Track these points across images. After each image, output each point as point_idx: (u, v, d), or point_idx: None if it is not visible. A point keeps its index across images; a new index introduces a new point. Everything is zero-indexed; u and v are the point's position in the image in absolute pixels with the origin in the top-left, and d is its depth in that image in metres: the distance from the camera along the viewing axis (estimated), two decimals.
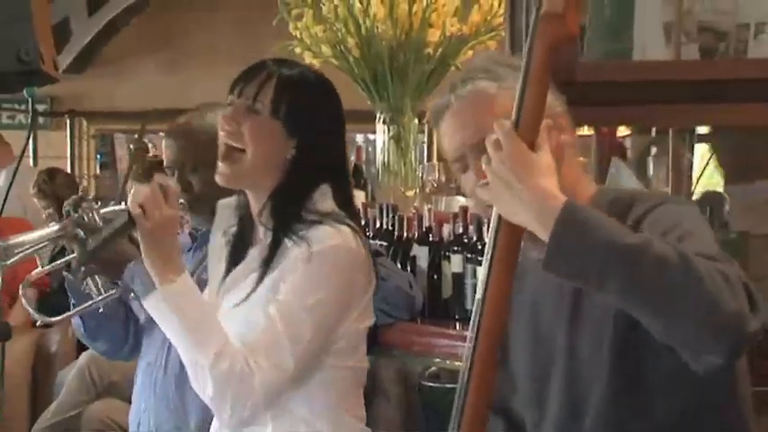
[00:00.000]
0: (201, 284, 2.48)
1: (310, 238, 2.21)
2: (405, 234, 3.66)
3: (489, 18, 4.34)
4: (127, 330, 2.79)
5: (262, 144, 2.26)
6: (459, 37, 4.32)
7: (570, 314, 1.87)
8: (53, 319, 2.54)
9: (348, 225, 2.27)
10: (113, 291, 2.50)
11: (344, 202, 2.34)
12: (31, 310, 2.50)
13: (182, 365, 2.44)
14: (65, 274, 2.55)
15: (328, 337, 2.25)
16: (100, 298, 2.50)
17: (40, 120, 8.43)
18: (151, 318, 2.38)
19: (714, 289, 1.54)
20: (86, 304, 2.51)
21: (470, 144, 1.89)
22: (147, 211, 2.22)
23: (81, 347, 5.13)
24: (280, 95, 2.26)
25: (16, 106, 8.33)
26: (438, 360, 3.19)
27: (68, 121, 8.54)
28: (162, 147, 2.81)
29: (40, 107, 8.34)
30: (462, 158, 1.92)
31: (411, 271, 3.49)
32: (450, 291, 3.39)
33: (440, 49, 4.31)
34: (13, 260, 2.34)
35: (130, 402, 2.88)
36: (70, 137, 8.56)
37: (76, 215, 2.43)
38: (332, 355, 2.28)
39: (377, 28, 4.22)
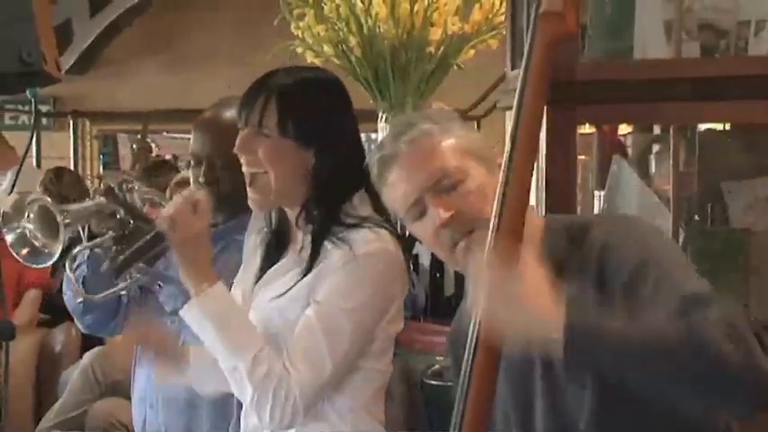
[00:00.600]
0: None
1: (352, 240, 2.21)
2: (407, 232, 3.67)
3: (491, 17, 4.35)
4: (118, 307, 2.79)
5: (280, 166, 2.25)
6: (460, 36, 4.34)
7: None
8: (95, 296, 2.57)
9: (386, 229, 2.28)
10: (144, 277, 2.52)
11: (379, 206, 2.34)
12: (74, 280, 2.53)
13: None
14: (95, 250, 2.54)
15: (365, 341, 2.26)
16: (127, 283, 2.51)
17: (43, 120, 8.44)
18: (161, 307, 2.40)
19: (720, 353, 1.56)
20: (118, 288, 2.52)
21: (427, 185, 1.88)
22: (178, 224, 2.23)
23: (85, 347, 5.14)
24: (283, 115, 2.24)
25: (19, 107, 8.34)
26: (440, 358, 3.20)
27: (71, 122, 8.55)
28: (192, 139, 2.72)
29: (43, 108, 8.35)
30: (419, 202, 1.89)
31: (414, 269, 3.50)
32: (453, 289, 3.41)
33: (441, 48, 4.33)
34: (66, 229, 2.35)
35: None
36: (73, 137, 8.57)
37: (120, 193, 2.44)
38: (363, 358, 2.29)
39: (378, 27, 4.23)
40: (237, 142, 2.27)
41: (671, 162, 2.77)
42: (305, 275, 2.24)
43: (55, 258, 2.43)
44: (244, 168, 2.29)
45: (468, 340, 1.74)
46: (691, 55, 2.59)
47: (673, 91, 2.55)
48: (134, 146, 8.50)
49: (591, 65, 2.60)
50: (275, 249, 2.36)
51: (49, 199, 2.41)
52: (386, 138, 1.98)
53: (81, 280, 2.62)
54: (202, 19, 8.17)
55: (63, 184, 6.09)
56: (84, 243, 2.53)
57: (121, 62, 8.44)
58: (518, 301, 1.64)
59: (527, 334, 1.64)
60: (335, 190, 2.28)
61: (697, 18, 2.58)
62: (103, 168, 8.78)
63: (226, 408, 2.54)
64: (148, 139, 8.18)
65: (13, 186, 2.99)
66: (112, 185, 2.47)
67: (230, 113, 2.62)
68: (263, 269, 2.36)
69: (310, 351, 2.20)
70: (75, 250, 2.54)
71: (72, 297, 2.71)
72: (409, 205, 1.91)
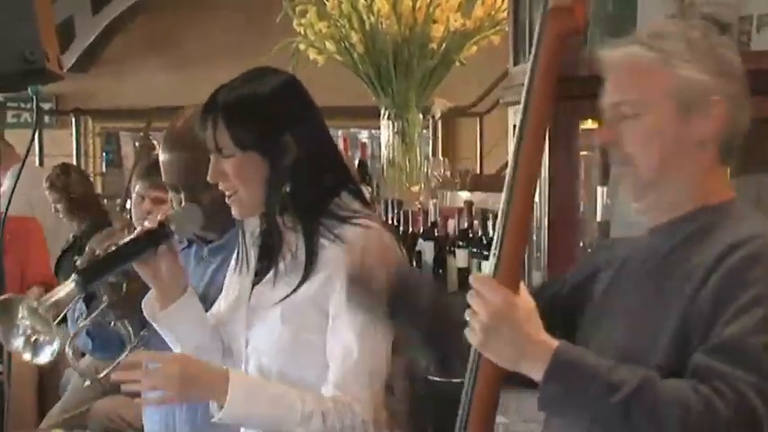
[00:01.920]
0: (208, 298, 2.48)
1: (348, 238, 2.21)
2: (410, 229, 3.67)
3: (493, 13, 4.35)
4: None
5: (250, 180, 2.24)
6: (462, 32, 4.34)
7: None
8: (100, 376, 2.59)
9: (379, 222, 2.28)
10: (146, 333, 2.52)
11: (366, 201, 2.34)
12: (75, 363, 2.54)
13: None
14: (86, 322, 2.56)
15: (391, 338, 2.28)
16: (134, 343, 2.52)
17: (46, 118, 8.44)
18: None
19: None
20: (128, 350, 2.53)
21: (609, 102, 1.83)
22: (168, 387, 2.20)
23: None
24: (235, 131, 2.22)
25: (21, 105, 8.34)
26: None
27: (74, 120, 8.55)
28: (162, 170, 2.62)
29: (46, 106, 8.35)
30: (603, 110, 1.86)
31: (416, 266, 3.50)
32: (456, 285, 3.40)
33: (444, 45, 4.33)
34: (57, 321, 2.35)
35: (137, 398, 2.87)
36: (76, 135, 8.58)
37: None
38: None
39: (381, 24, 4.23)
40: (209, 173, 2.26)
41: None
42: (306, 276, 2.24)
43: (57, 345, 2.43)
44: (222, 189, 2.27)
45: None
46: None
47: None
48: (137, 144, 8.49)
49: (593, 60, 2.60)
50: (269, 252, 2.36)
51: (29, 299, 2.39)
52: (620, 39, 1.90)
53: (85, 331, 2.63)
54: (205, 16, 8.17)
55: (70, 181, 6.10)
56: (80, 323, 2.54)
57: (124, 60, 8.44)
58: (514, 322, 1.66)
59: (511, 363, 1.67)
60: (313, 186, 2.28)
61: (699, 13, 2.58)
62: (106, 166, 8.78)
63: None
64: (151, 137, 8.18)
65: (15, 185, 2.98)
66: (97, 252, 2.46)
67: (186, 132, 2.55)
68: (260, 271, 2.36)
69: (358, 374, 2.20)
70: (73, 330, 2.55)
71: (83, 345, 2.76)
72: (600, 107, 1.87)
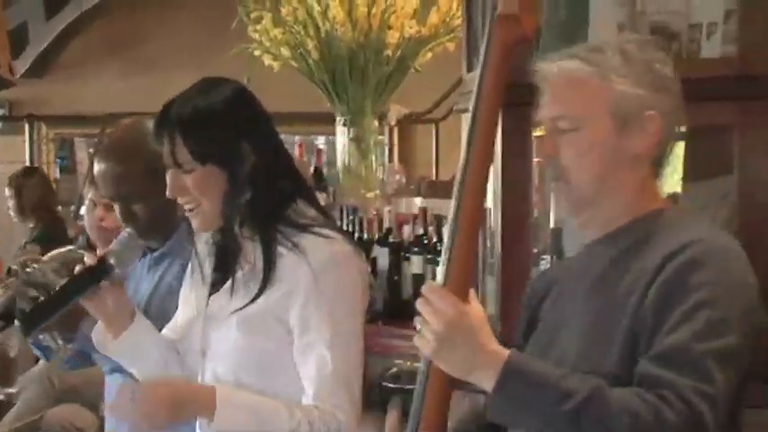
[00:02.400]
0: (157, 300, 2.48)
1: (306, 248, 2.21)
2: (365, 235, 3.67)
3: (447, 20, 4.36)
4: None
5: (212, 192, 2.25)
6: (417, 38, 4.35)
7: None
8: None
9: (336, 230, 2.28)
10: (72, 345, 2.52)
11: (322, 209, 2.35)
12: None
13: None
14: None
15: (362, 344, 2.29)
16: (64, 354, 2.52)
17: None
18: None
19: None
20: (58, 360, 2.53)
21: (551, 117, 1.86)
22: (151, 415, 2.20)
23: None
24: (193, 145, 2.22)
25: None
26: (398, 361, 3.20)
27: (27, 126, 8.48)
28: (95, 171, 2.65)
29: None
30: (542, 125, 1.89)
31: (372, 272, 3.50)
32: (411, 291, 3.40)
33: (399, 51, 4.33)
34: None
35: (90, 407, 2.86)
36: (29, 141, 8.50)
37: (25, 275, 2.43)
38: None
39: (336, 30, 4.23)
40: (169, 187, 2.26)
41: None
42: (264, 286, 2.23)
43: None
44: (182, 203, 2.28)
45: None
46: None
47: None
48: (91, 150, 8.43)
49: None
50: (225, 262, 2.35)
51: None
52: (556, 53, 1.92)
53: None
54: (161, 22, 8.12)
55: (28, 183, 6.10)
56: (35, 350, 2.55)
57: (79, 65, 8.38)
58: (466, 331, 1.68)
59: (464, 372, 1.69)
60: (270, 193, 2.28)
61: (649, 20, 2.60)
62: (60, 172, 8.70)
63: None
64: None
65: None
66: (15, 268, 2.46)
67: (136, 137, 2.60)
68: (216, 281, 2.35)
69: (336, 384, 2.21)
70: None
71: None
72: (536, 121, 1.90)
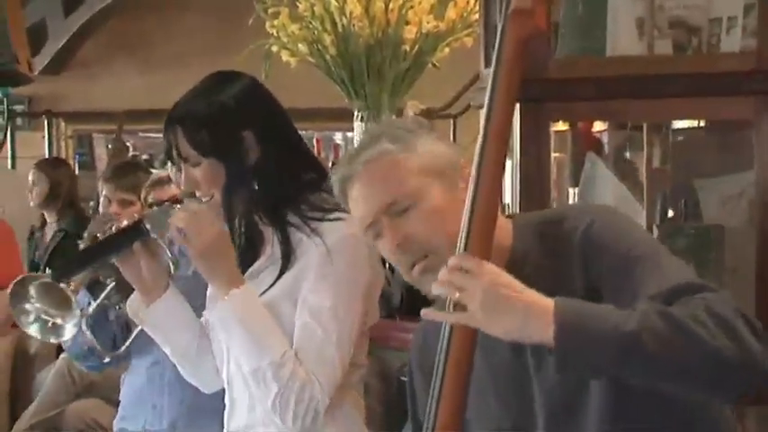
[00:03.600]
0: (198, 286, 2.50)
1: (323, 231, 2.25)
2: None
3: (465, 15, 4.34)
4: (114, 342, 2.80)
5: (219, 184, 2.30)
6: (435, 34, 4.33)
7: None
8: (119, 350, 2.66)
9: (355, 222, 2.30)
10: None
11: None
12: (95, 342, 2.54)
13: None
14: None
15: (361, 328, 2.29)
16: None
17: (18, 120, 8.38)
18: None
19: (718, 345, 1.57)
20: (136, 331, 2.55)
21: (380, 209, 1.87)
22: (189, 236, 2.24)
23: (60, 348, 5.11)
24: (195, 141, 2.28)
25: None
26: None
27: (46, 122, 8.50)
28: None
29: (18, 108, 8.30)
30: (375, 224, 1.89)
31: (388, 267, 3.50)
32: None
33: (416, 47, 4.32)
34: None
35: (111, 402, 2.88)
36: (48, 137, 8.53)
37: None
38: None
39: (353, 26, 4.22)
40: (183, 181, 2.33)
41: (644, 159, 2.79)
42: (283, 270, 2.26)
43: (76, 329, 2.42)
44: (199, 196, 2.33)
45: (441, 336, 1.74)
46: (663, 52, 2.61)
47: (645, 88, 2.57)
48: (109, 146, 8.46)
49: (563, 62, 2.61)
50: (249, 249, 2.37)
51: (43, 277, 2.40)
52: (346, 155, 1.97)
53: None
54: (178, 18, 8.14)
55: (62, 173, 6.11)
56: (94, 303, 2.55)
57: (97, 62, 8.40)
58: (509, 293, 1.63)
59: (520, 326, 1.63)
60: (280, 183, 2.31)
61: (668, 15, 2.59)
62: (79, 168, 8.73)
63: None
64: (124, 139, 8.14)
65: None
66: (97, 234, 2.47)
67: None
68: (245, 264, 2.38)
69: (318, 355, 2.23)
70: (90, 310, 2.55)
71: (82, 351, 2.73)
72: (366, 226, 1.91)
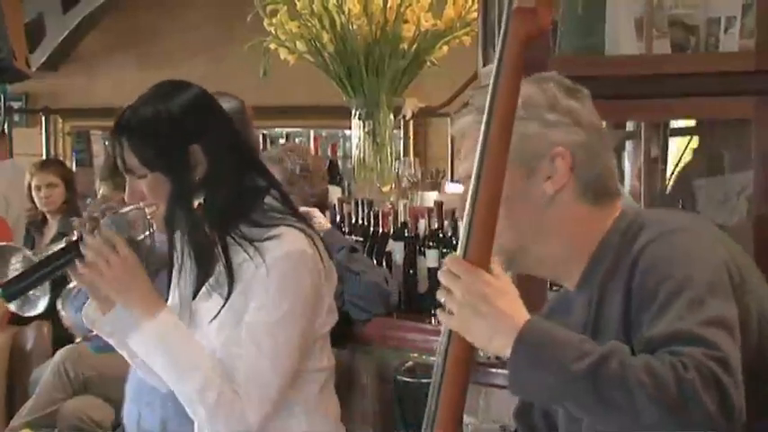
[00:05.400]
0: None
1: (264, 250, 2.25)
2: (380, 229, 3.66)
3: (464, 13, 4.35)
4: None
5: (164, 197, 2.29)
6: (433, 32, 4.33)
7: None
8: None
9: (296, 227, 2.29)
10: None
11: (285, 202, 2.36)
12: (68, 319, 2.52)
13: None
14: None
15: (303, 342, 2.28)
16: None
17: (15, 117, 8.37)
18: None
19: (662, 407, 1.53)
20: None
21: (462, 176, 1.87)
22: (100, 269, 2.24)
23: (56, 345, 5.12)
24: (139, 152, 2.27)
25: None
26: (414, 354, 3.19)
27: (43, 118, 8.50)
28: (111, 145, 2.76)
29: (15, 104, 8.29)
30: (467, 180, 1.86)
31: (387, 266, 3.50)
32: (426, 285, 3.40)
33: (414, 45, 4.32)
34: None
35: (106, 399, 2.87)
36: (45, 134, 8.52)
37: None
38: (302, 361, 2.31)
39: (352, 24, 4.22)
40: (126, 194, 2.32)
41: (642, 158, 2.78)
42: (229, 292, 2.26)
43: (46, 303, 2.41)
44: (143, 206, 2.32)
45: (441, 335, 1.74)
46: (661, 51, 2.61)
47: (643, 87, 2.57)
48: (107, 142, 8.45)
49: (562, 61, 2.61)
50: (200, 267, 2.37)
51: (25, 249, 2.39)
52: (472, 103, 1.91)
53: (80, 310, 2.63)
54: (176, 15, 8.13)
55: (71, 175, 6.10)
56: (71, 284, 2.53)
57: (95, 58, 8.39)
58: (484, 302, 1.64)
59: (487, 339, 1.64)
60: (228, 196, 2.30)
61: (667, 15, 2.59)
62: (77, 165, 8.72)
63: None
64: None
65: None
66: (96, 215, 2.46)
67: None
68: (200, 280, 2.38)
69: (252, 371, 2.24)
70: (69, 287, 2.54)
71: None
72: (464, 175, 1.86)
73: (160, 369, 2.28)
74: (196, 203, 2.31)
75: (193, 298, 2.37)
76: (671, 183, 3.01)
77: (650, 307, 1.66)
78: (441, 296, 1.69)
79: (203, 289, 2.35)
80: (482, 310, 1.64)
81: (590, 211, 1.84)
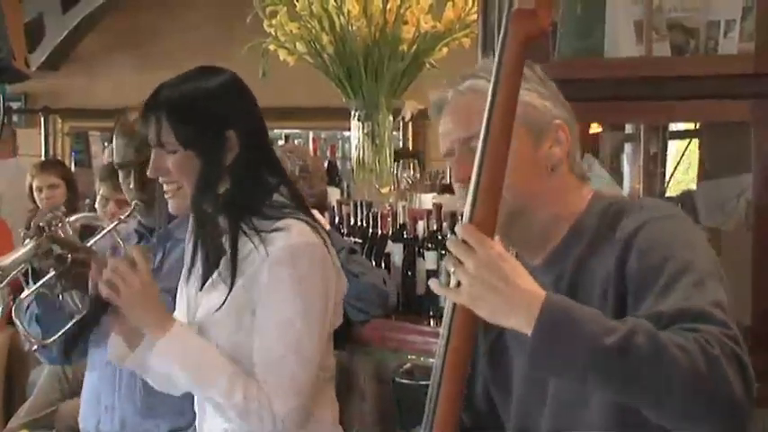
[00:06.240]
0: (162, 283, 2.48)
1: (270, 241, 2.24)
2: (379, 231, 3.66)
3: (463, 15, 4.34)
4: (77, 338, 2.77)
5: (190, 176, 2.29)
6: (433, 34, 4.33)
7: None
8: (47, 341, 2.55)
9: (304, 221, 2.29)
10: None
11: (294, 197, 2.36)
12: (23, 329, 2.52)
13: None
14: (41, 290, 2.54)
15: (325, 333, 2.29)
16: (81, 314, 2.52)
17: (14, 117, 8.38)
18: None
19: (694, 379, 1.54)
20: (73, 321, 2.52)
21: (459, 140, 1.90)
22: (118, 287, 2.24)
23: None
24: (178, 128, 2.27)
25: None
26: (412, 356, 3.19)
27: (42, 119, 8.50)
28: (114, 146, 2.76)
29: (14, 104, 8.29)
30: (451, 152, 1.92)
31: (386, 268, 3.50)
32: (425, 287, 3.40)
33: (414, 46, 4.32)
34: (2, 285, 2.35)
35: None
36: (44, 134, 8.52)
37: (49, 231, 2.44)
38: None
39: (351, 25, 4.22)
40: (150, 166, 2.31)
41: (641, 161, 2.79)
42: (232, 284, 2.26)
43: (1, 311, 2.42)
44: (163, 183, 2.33)
45: (443, 324, 1.73)
46: (661, 54, 2.60)
47: (643, 90, 2.57)
48: (105, 143, 8.45)
49: (561, 63, 2.61)
50: (213, 254, 2.37)
51: None
52: (449, 81, 1.98)
53: (35, 319, 2.61)
54: (177, 15, 8.13)
55: (74, 177, 6.09)
56: (26, 290, 2.52)
57: (94, 58, 8.39)
58: (501, 276, 1.62)
59: (504, 313, 1.62)
60: (250, 185, 2.30)
61: (666, 17, 2.59)
62: (75, 165, 8.73)
63: (184, 412, 2.54)
64: None
65: None
66: (41, 224, 2.46)
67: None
68: (206, 274, 2.37)
69: (280, 369, 2.23)
70: (21, 296, 2.53)
71: (35, 335, 2.65)
72: (445, 152, 1.94)
73: (182, 380, 2.29)
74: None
75: (200, 289, 2.37)
76: (669, 185, 3.01)
77: (656, 281, 1.67)
78: (450, 266, 1.66)
79: (209, 281, 2.34)
80: (498, 286, 1.61)
81: (577, 186, 1.91)
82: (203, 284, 2.36)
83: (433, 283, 1.72)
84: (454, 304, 1.69)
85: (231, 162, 2.28)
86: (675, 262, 1.69)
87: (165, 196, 2.33)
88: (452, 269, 1.66)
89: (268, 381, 2.22)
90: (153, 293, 2.29)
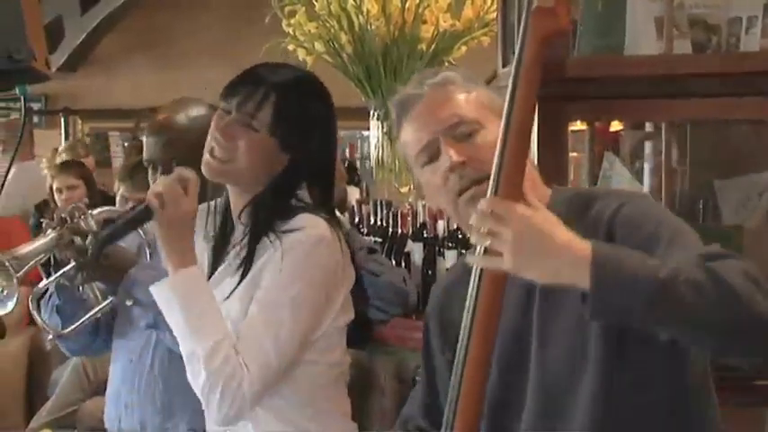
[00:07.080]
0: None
1: (283, 235, 2.24)
2: (399, 230, 3.66)
3: (482, 14, 4.34)
4: (96, 327, 2.78)
5: (255, 159, 2.28)
6: (452, 32, 4.32)
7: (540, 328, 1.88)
8: (65, 331, 2.55)
9: (322, 217, 2.29)
10: (112, 299, 2.52)
11: (323, 200, 2.35)
12: (39, 319, 2.52)
13: (169, 366, 2.45)
14: (62, 281, 2.53)
15: (312, 329, 2.27)
16: (101, 306, 2.52)
17: (35, 118, 8.42)
18: (133, 316, 2.41)
19: (750, 297, 1.56)
20: (92, 312, 2.52)
21: (443, 129, 1.91)
22: (166, 202, 2.23)
23: None
24: (279, 114, 2.26)
25: (10, 105, 8.32)
26: None
27: (62, 119, 8.54)
28: (144, 144, 2.78)
29: (35, 105, 8.33)
30: (432, 144, 1.92)
31: (405, 267, 3.50)
32: None
33: (433, 45, 4.31)
34: (19, 274, 2.34)
35: None
36: (64, 135, 8.56)
37: (72, 222, 2.44)
38: (308, 351, 2.29)
39: (370, 24, 4.22)
40: (223, 125, 2.27)
41: (662, 158, 2.77)
42: (244, 275, 2.25)
43: (15, 301, 2.41)
44: (213, 147, 2.29)
45: (471, 281, 1.72)
46: (682, 51, 2.59)
47: (664, 87, 2.55)
48: (125, 144, 8.48)
49: (582, 61, 2.60)
50: (221, 249, 2.37)
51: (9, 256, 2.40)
52: (411, 79, 2.01)
53: (55, 309, 2.61)
54: (194, 16, 8.16)
55: (91, 175, 6.12)
56: (46, 280, 2.52)
57: (113, 59, 8.43)
58: (540, 237, 1.62)
59: (554, 270, 1.62)
60: (289, 190, 2.31)
61: (687, 14, 2.58)
62: (95, 166, 8.76)
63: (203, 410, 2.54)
64: (139, 137, 8.17)
65: (3, 184, 2.97)
66: (64, 216, 2.46)
67: (183, 116, 2.71)
68: (212, 270, 2.37)
69: (254, 348, 2.21)
70: (39, 285, 2.53)
71: (54, 325, 2.63)
72: (423, 146, 1.94)
73: (175, 323, 2.24)
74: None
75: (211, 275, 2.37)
76: (691, 184, 2.99)
77: (658, 244, 1.71)
78: (482, 241, 1.64)
79: (216, 274, 2.35)
80: (543, 246, 1.61)
81: (540, 180, 1.97)
82: (210, 275, 2.36)
83: (469, 257, 1.70)
84: (472, 319, 1.70)
85: (295, 161, 2.30)
86: (668, 225, 1.76)
87: (208, 158, 2.30)
88: (486, 243, 1.64)
89: (248, 359, 2.20)
90: (191, 225, 2.27)
